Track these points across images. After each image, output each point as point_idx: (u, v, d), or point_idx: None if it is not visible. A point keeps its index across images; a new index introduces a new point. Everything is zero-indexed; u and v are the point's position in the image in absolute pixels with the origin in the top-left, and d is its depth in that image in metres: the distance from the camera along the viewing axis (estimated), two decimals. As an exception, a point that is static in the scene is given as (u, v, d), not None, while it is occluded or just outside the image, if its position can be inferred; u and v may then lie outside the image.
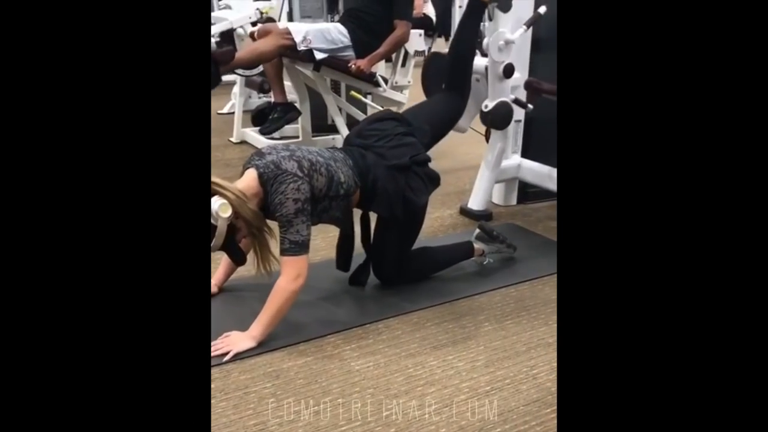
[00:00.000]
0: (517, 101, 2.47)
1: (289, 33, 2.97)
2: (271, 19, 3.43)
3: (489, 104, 2.40)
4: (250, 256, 1.73)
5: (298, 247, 1.59)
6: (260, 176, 1.60)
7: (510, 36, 2.33)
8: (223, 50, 2.98)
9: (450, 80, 2.15)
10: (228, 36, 3.38)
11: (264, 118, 3.29)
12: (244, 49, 3.06)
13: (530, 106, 2.51)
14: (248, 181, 1.62)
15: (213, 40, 3.19)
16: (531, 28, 2.43)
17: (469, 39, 2.18)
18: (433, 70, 2.63)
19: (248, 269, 1.77)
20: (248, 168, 1.66)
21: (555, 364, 1.58)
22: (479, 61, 2.46)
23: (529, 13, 2.43)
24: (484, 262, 2.14)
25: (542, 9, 2.36)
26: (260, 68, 3.53)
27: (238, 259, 1.71)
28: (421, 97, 2.69)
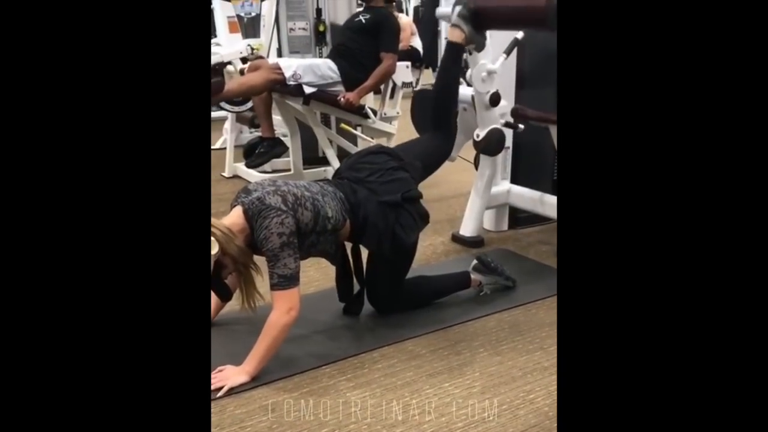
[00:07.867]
0: (507, 124, 2.49)
1: (279, 68, 3.01)
2: (260, 57, 3.49)
3: (480, 133, 2.42)
4: (236, 292, 1.73)
5: (287, 280, 1.59)
6: (245, 212, 1.62)
7: (491, 66, 2.37)
8: (212, 80, 3.01)
9: (435, 121, 2.18)
10: (218, 70, 3.43)
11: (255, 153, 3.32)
12: (234, 81, 3.10)
13: (521, 126, 2.53)
14: (234, 218, 1.63)
15: None
16: (513, 56, 2.47)
17: (450, 83, 2.21)
18: (421, 107, 2.69)
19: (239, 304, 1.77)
20: (235, 205, 1.67)
21: (552, 389, 1.58)
22: (465, 90, 2.50)
23: (507, 41, 2.47)
24: (481, 293, 2.14)
25: (519, 34, 2.40)
26: (250, 104, 3.57)
27: (223, 295, 1.72)
28: (409, 127, 2.73)
